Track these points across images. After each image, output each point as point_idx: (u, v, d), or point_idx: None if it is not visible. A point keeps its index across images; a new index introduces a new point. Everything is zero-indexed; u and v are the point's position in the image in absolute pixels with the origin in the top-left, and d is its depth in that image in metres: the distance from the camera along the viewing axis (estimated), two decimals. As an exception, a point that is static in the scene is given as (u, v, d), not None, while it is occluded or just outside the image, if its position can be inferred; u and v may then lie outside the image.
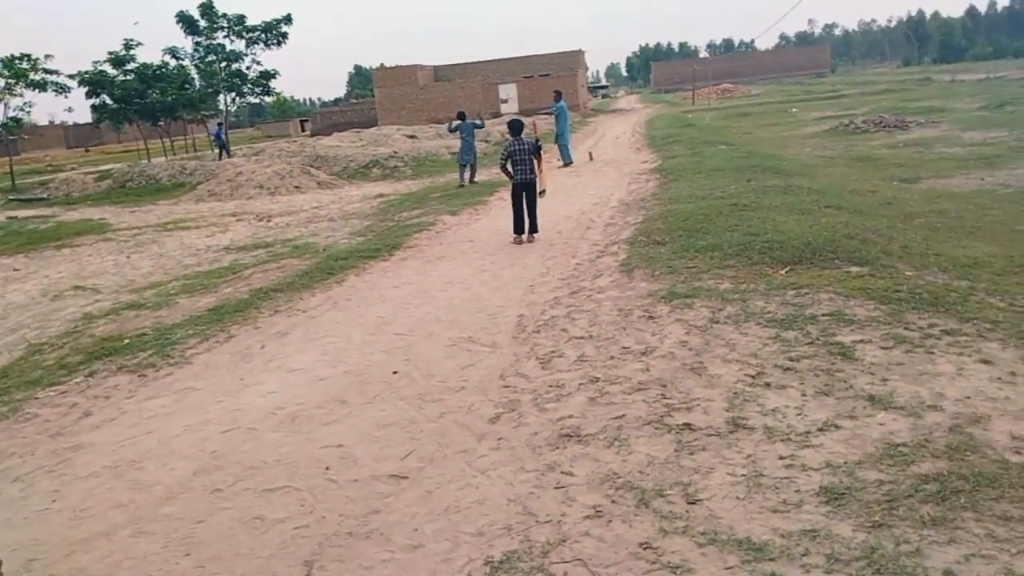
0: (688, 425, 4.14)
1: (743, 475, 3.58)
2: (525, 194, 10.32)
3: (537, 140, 10.68)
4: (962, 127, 21.21)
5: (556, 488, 3.71)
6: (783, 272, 6.92)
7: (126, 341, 7.41)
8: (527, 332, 6.34)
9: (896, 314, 5.48)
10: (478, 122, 19.06)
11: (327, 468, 4.27)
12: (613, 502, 3.51)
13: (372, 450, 4.46)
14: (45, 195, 27.00)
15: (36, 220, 19.66)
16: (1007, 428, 3.70)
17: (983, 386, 4.21)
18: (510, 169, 10.37)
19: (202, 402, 5.59)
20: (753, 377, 4.66)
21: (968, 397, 4.08)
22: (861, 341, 5.02)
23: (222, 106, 40.44)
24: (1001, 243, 8.09)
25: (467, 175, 18.21)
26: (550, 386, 5.04)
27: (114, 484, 4.42)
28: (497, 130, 30.33)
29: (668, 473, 3.70)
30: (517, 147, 10.33)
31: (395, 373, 5.67)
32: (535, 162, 10.40)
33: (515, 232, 10.40)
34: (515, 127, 10.68)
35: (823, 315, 5.59)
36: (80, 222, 18.82)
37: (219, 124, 38.16)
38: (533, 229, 10.42)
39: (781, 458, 3.67)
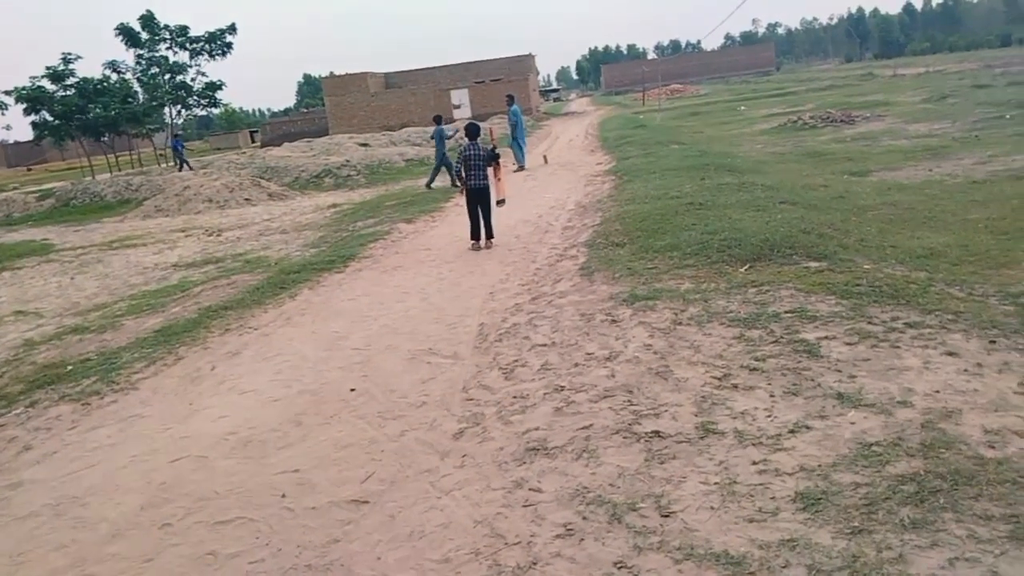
0: (657, 432, 4.02)
1: (716, 483, 3.46)
2: (479, 201, 10.17)
3: (494, 147, 10.52)
4: (907, 120, 21.65)
5: (524, 506, 3.56)
6: (743, 270, 6.87)
7: (69, 368, 7.06)
8: (489, 341, 6.18)
9: (858, 308, 5.44)
10: (447, 131, 18.90)
11: (283, 496, 4.05)
12: (584, 519, 3.37)
13: (330, 474, 4.26)
14: (-17, 216, 26.01)
15: (-27, 243, 18.87)
16: (979, 422, 3.65)
17: (951, 379, 4.17)
18: (463, 175, 10.20)
19: (149, 430, 5.31)
20: (720, 379, 4.57)
21: (937, 391, 4.04)
22: (825, 337, 4.96)
23: (168, 119, 39.57)
24: (954, 232, 8.17)
25: (429, 180, 18.62)
26: (514, 397, 4.89)
27: (55, 524, 4.14)
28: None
29: (639, 485, 3.57)
30: (472, 152, 10.17)
31: (353, 390, 5.46)
32: (490, 169, 10.25)
33: (472, 238, 10.25)
34: (471, 130, 10.53)
35: (785, 312, 5.53)
36: (21, 243, 18.10)
37: (176, 136, 37.31)
38: (489, 235, 10.27)
39: (754, 463, 3.57)
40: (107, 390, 6.21)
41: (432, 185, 18.43)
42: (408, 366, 5.85)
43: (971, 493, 3.06)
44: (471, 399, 5.00)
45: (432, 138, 18.96)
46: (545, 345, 5.79)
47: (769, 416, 4.02)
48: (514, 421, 4.52)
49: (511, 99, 20.27)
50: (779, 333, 5.14)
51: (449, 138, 18.77)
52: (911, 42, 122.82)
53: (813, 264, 6.73)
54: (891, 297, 5.63)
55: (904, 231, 8.41)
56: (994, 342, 4.62)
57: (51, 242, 17.85)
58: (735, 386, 4.44)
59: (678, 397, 4.42)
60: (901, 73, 53.27)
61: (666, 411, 4.27)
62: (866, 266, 6.56)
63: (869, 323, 5.14)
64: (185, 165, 33.25)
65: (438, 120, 18.81)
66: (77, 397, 6.15)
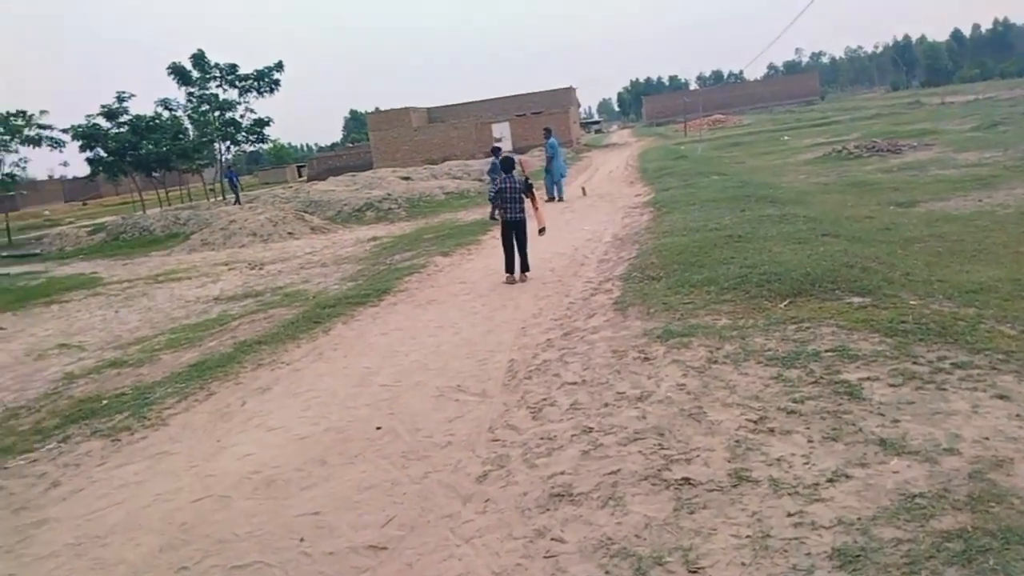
0: (687, 480, 3.84)
1: (748, 536, 3.28)
2: (516, 233, 10.12)
3: (527, 178, 10.51)
4: (955, 148, 21.10)
5: (546, 557, 3.41)
6: (782, 305, 6.66)
7: (104, 402, 7.14)
8: (518, 378, 6.06)
9: (903, 347, 5.20)
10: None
11: (301, 539, 3.97)
12: (607, 572, 3.21)
13: (350, 517, 4.16)
14: (38, 250, 26.92)
15: (27, 276, 19.46)
16: (1032, 473, 3.41)
17: (1001, 424, 3.92)
18: (500, 207, 10.18)
19: (176, 467, 5.30)
20: (755, 422, 4.37)
21: (986, 438, 3.79)
22: (868, 378, 4.74)
23: (218, 155, 40.61)
24: (1005, 266, 7.84)
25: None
26: (541, 438, 4.75)
27: (74, 565, 4.11)
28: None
29: (667, 536, 3.40)
30: (508, 185, 10.17)
31: (379, 429, 5.38)
32: (526, 200, 10.22)
33: (507, 271, 10.19)
34: (506, 165, 10.54)
35: (826, 351, 5.31)
36: (71, 277, 18.62)
37: (230, 168, 38.26)
38: (525, 268, 10.21)
39: (789, 515, 3.38)
40: (138, 426, 6.25)
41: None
42: (436, 404, 5.76)
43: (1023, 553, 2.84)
44: (497, 440, 4.88)
45: (489, 173, 18.02)
46: (575, 383, 5.65)
47: (807, 463, 3.82)
48: (539, 464, 4.38)
49: (548, 132, 20.29)
50: (819, 373, 4.92)
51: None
52: (960, 69, 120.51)
53: (856, 300, 6.49)
54: (938, 335, 5.37)
55: (952, 265, 8.09)
56: (1049, 384, 4.35)
57: (99, 275, 18.32)
58: (771, 430, 4.25)
59: (711, 441, 4.24)
60: (949, 101, 52.21)
61: (698, 456, 4.09)
62: (912, 302, 6.30)
63: (914, 363, 4.90)
64: (237, 197, 34.02)
65: (496, 152, 17.91)
66: (108, 433, 6.19)
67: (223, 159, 40.41)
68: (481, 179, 21.06)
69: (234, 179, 35.29)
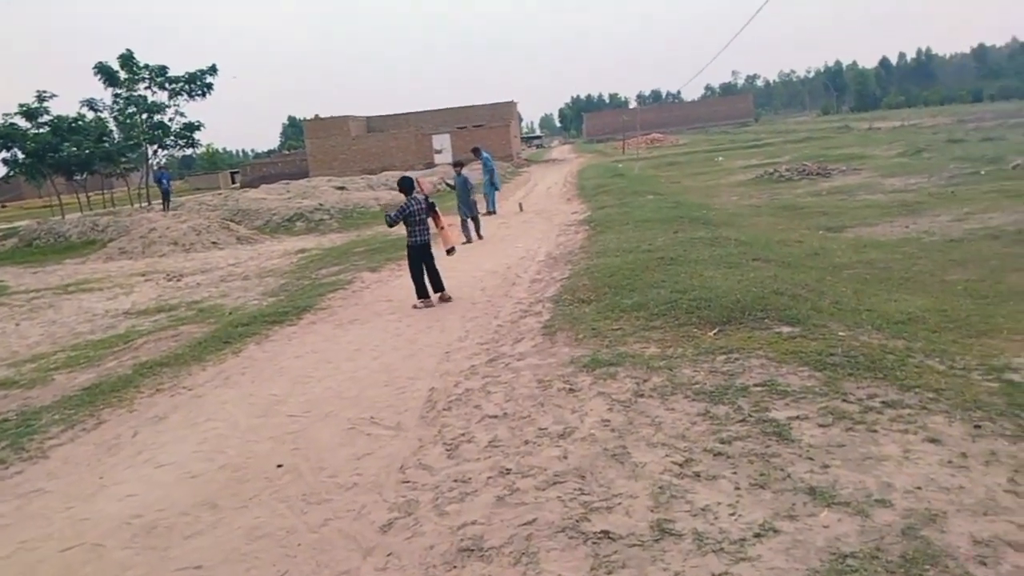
0: (607, 533, 3.53)
1: (669, 602, 2.98)
2: (424, 256, 9.54)
3: (427, 197, 9.73)
4: (883, 174, 21.64)
5: (446, 627, 3.05)
6: (711, 334, 6.47)
7: (-17, 429, 6.48)
8: (437, 410, 5.69)
9: (832, 383, 5.03)
10: (471, 179, 16.33)
11: (175, 602, 3.51)
12: (513, 647, 2.87)
13: (236, 572, 3.72)
14: (-58, 255, 25.25)
15: (-76, 283, 18.15)
16: (966, 528, 3.21)
17: (933, 472, 3.74)
18: (408, 231, 9.50)
19: (49, 509, 4.75)
20: (681, 465, 4.10)
21: (919, 487, 3.60)
22: (797, 417, 4.53)
23: (147, 159, 39.04)
24: (933, 295, 7.85)
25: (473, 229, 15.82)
26: (455, 481, 4.39)
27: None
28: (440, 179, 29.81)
29: (581, 601, 3.08)
30: (413, 207, 9.44)
31: (280, 467, 4.93)
32: (431, 221, 9.76)
33: (419, 297, 9.58)
34: (405, 185, 9.68)
35: (755, 385, 5.10)
36: (-27, 285, 17.45)
37: (163, 169, 36.71)
38: (439, 288, 9.67)
39: (713, 576, 3.10)
40: (14, 458, 5.66)
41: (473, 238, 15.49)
42: (345, 438, 5.34)
43: (962, 628, 2.61)
44: (407, 481, 4.50)
45: (454, 187, 15.98)
46: (496, 416, 5.31)
47: (733, 514, 3.55)
48: (450, 511, 4.01)
49: (478, 151, 19.04)
50: (747, 410, 4.70)
51: (472, 188, 15.98)
52: (887, 95, 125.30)
53: (786, 329, 6.34)
54: (867, 369, 5.22)
55: (881, 293, 8.07)
56: (979, 427, 4.21)
57: (5, 284, 17.22)
58: (697, 474, 3.98)
59: (634, 486, 3.95)
60: (877, 126, 54.06)
61: (619, 504, 3.79)
62: (841, 333, 6.17)
63: (844, 401, 4.72)
64: (167, 202, 32.54)
65: (459, 166, 16.25)
66: (-21, 466, 5.57)
67: (154, 163, 38.83)
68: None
69: (166, 183, 33.83)
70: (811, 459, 4.01)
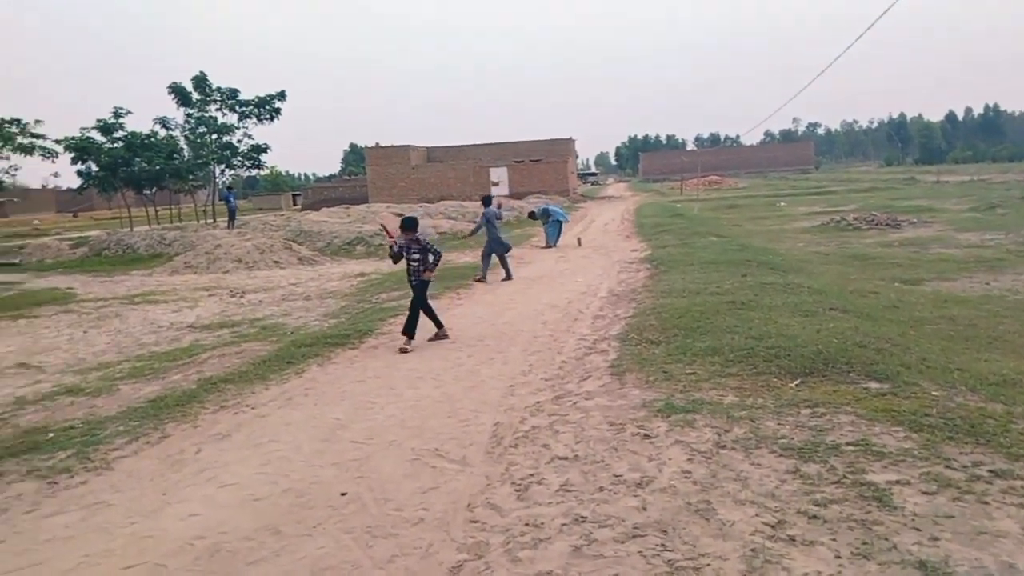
0: (697, 596, 3.28)
1: None
2: (415, 293, 9.35)
3: (428, 245, 9.41)
4: (956, 228, 20.92)
5: None
6: (793, 385, 6.16)
7: (50, 435, 6.52)
8: (503, 446, 5.49)
9: (931, 446, 4.70)
10: (497, 212, 15.88)
11: (239, 634, 3.37)
12: None
13: (300, 607, 3.57)
14: (17, 260, 26.18)
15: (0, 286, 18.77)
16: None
17: (1060, 555, 3.40)
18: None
19: (111, 523, 4.67)
20: (773, 527, 3.83)
21: (1046, 572, 3.27)
22: (898, 482, 4.21)
23: (214, 177, 40.12)
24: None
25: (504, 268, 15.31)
26: (526, 524, 4.17)
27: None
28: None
29: (674, 672, 2.83)
30: (400, 248, 9.32)
31: (344, 495, 4.79)
32: (423, 264, 9.32)
33: (436, 327, 9.47)
34: (409, 225, 9.29)
35: (847, 444, 4.79)
36: (44, 291, 17.96)
37: (229, 188, 37.63)
38: (406, 331, 9.14)
39: (821, 656, 2.82)
40: (79, 467, 5.62)
41: (486, 277, 14.99)
42: (410, 469, 5.18)
43: None
44: (476, 521, 4.30)
45: (479, 222, 15.76)
46: (566, 458, 5.09)
47: (835, 585, 3.27)
48: (523, 558, 3.80)
49: (488, 200, 16.33)
50: (841, 471, 4.39)
51: (500, 219, 15.76)
52: (953, 150, 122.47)
53: (874, 385, 6.00)
54: (968, 434, 4.87)
55: (969, 351, 7.64)
56: (1104, 506, 3.84)
57: (74, 291, 17.66)
58: (792, 538, 3.70)
59: (722, 547, 3.68)
60: (944, 180, 52.69)
61: (708, 565, 3.53)
62: (934, 392, 5.81)
63: (947, 467, 4.39)
64: (232, 220, 33.14)
65: (487, 202, 15.79)
66: (46, 473, 5.56)
67: (221, 182, 39.84)
68: (475, 221, 19.63)
69: (233, 201, 34.61)
70: (918, 529, 3.69)
